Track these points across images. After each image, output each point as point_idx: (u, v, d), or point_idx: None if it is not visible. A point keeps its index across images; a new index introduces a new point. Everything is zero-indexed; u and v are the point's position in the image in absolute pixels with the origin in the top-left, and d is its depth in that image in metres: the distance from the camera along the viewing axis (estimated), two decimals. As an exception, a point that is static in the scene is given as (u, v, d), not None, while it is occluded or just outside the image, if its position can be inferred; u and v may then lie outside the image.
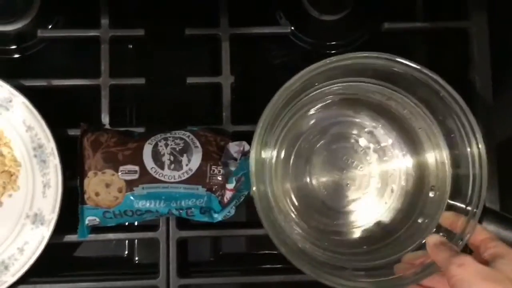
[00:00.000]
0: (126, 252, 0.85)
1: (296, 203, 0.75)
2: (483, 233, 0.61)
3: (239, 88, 0.79)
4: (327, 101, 0.75)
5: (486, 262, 0.56)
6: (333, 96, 0.75)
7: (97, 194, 0.72)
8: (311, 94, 0.72)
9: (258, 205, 0.65)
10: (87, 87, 0.79)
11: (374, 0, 0.84)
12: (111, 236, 0.77)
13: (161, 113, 0.83)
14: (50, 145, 0.74)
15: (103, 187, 0.71)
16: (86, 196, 0.72)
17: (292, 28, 0.82)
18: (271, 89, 0.79)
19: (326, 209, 0.76)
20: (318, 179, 0.76)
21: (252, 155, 0.65)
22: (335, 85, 0.72)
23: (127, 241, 0.84)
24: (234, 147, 0.74)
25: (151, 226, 0.78)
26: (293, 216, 0.74)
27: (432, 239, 0.64)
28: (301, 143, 0.76)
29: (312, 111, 0.76)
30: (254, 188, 0.65)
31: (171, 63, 0.83)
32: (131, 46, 0.86)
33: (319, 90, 0.72)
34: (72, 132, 0.77)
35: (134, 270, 0.83)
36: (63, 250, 0.81)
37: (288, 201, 0.75)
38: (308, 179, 0.76)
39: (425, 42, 0.88)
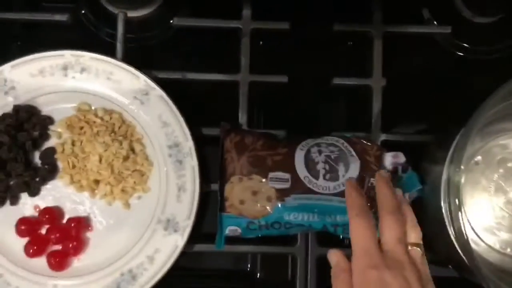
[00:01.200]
0: (249, 266, 0.76)
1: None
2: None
3: (389, 93, 0.71)
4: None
5: None
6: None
7: (241, 202, 0.64)
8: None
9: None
10: (225, 83, 0.72)
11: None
12: (245, 248, 0.69)
13: (299, 115, 0.75)
14: (188, 144, 0.67)
15: (249, 194, 0.64)
16: (227, 203, 0.65)
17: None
18: (424, 95, 0.71)
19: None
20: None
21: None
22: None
23: (249, 254, 0.76)
24: (388, 158, 0.66)
25: (286, 239, 0.70)
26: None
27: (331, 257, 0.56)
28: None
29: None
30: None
31: (315, 61, 0.76)
32: (261, 42, 0.78)
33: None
34: (207, 131, 0.70)
35: (257, 286, 0.75)
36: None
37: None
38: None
39: None
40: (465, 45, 0.77)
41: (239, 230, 0.65)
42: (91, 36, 0.77)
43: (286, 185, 0.63)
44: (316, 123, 0.73)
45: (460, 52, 0.78)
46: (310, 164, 0.64)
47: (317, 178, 0.63)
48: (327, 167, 0.64)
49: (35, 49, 0.68)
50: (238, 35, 0.72)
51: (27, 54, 0.68)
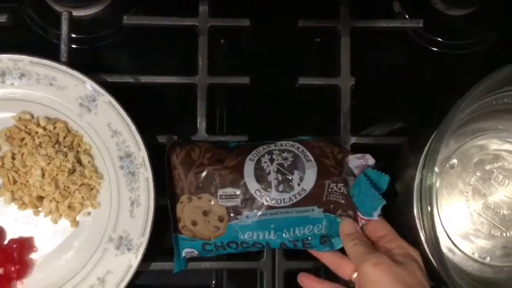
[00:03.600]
0: (214, 282, 0.71)
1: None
2: (385, 229, 0.56)
3: (359, 92, 0.66)
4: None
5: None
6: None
7: (194, 223, 0.59)
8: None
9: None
10: (182, 86, 0.66)
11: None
12: (206, 265, 0.64)
13: (262, 120, 0.70)
14: (141, 155, 0.62)
15: (200, 215, 0.59)
16: (180, 225, 0.60)
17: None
18: (396, 94, 0.67)
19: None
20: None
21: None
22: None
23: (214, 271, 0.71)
24: (354, 161, 0.60)
25: (252, 254, 0.64)
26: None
27: (346, 227, 0.56)
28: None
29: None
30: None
31: (276, 61, 0.70)
32: (223, 41, 0.72)
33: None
34: (162, 139, 0.64)
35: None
36: (140, 276, 0.67)
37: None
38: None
39: None
40: (438, 39, 0.73)
41: (196, 252, 0.60)
42: (37, 39, 0.71)
43: (237, 202, 0.58)
44: (281, 127, 0.68)
45: (433, 47, 0.73)
46: (260, 176, 0.58)
47: (269, 190, 0.58)
48: (279, 177, 0.58)
49: None
50: (195, 33, 0.66)
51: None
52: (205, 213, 0.58)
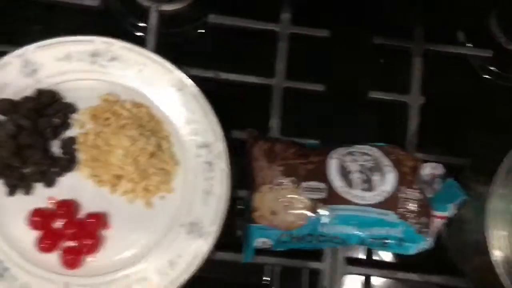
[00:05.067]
0: (268, 279, 0.72)
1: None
2: None
3: (426, 111, 0.69)
4: None
5: None
6: None
7: (273, 213, 0.61)
8: None
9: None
10: (259, 86, 0.69)
11: None
12: (272, 260, 0.65)
13: (330, 127, 0.72)
14: (219, 146, 0.64)
15: (282, 205, 0.61)
16: (257, 214, 0.61)
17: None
18: (463, 118, 0.70)
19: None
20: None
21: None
22: None
23: (265, 266, 0.72)
24: (427, 168, 0.63)
25: (308, 255, 0.67)
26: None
27: None
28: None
29: None
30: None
31: (351, 73, 0.73)
32: (299, 49, 0.75)
33: None
34: (236, 134, 0.66)
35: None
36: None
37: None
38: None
39: None
40: (498, 71, 0.76)
41: (270, 242, 0.61)
42: (115, 26, 0.73)
43: (321, 195, 0.60)
44: (348, 136, 0.70)
45: (493, 78, 0.76)
46: (344, 173, 0.61)
47: (352, 188, 0.61)
48: (362, 176, 0.61)
49: (56, 33, 0.64)
50: (276, 38, 0.69)
51: (53, 37, 0.63)
52: (288, 203, 0.60)
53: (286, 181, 0.61)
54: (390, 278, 0.68)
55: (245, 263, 0.63)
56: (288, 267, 0.69)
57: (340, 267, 0.66)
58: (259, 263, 0.67)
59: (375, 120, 0.73)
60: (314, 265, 0.67)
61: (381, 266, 0.66)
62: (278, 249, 0.63)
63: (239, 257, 0.64)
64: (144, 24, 0.69)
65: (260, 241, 0.61)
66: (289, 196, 0.61)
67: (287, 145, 0.63)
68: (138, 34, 0.72)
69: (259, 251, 0.64)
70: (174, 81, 0.65)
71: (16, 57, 0.63)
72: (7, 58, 0.62)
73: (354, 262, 0.67)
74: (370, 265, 0.67)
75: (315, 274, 0.68)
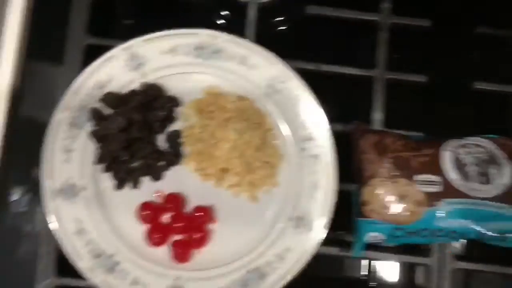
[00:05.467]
0: (362, 273, 0.71)
1: None
2: None
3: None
4: None
5: None
6: None
7: (386, 207, 0.60)
8: None
9: None
10: (359, 78, 0.67)
11: None
12: (378, 256, 0.64)
13: (433, 118, 0.70)
14: (325, 139, 0.63)
15: (395, 198, 0.59)
16: (368, 208, 0.60)
17: None
18: None
19: None
20: None
21: None
22: None
23: (363, 261, 0.71)
24: None
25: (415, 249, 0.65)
26: None
27: None
28: None
29: None
30: None
31: (456, 63, 0.71)
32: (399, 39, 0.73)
33: None
34: (337, 127, 0.65)
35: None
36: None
37: None
38: None
39: None
40: None
41: (383, 237, 0.60)
42: (210, 20, 0.73)
43: (437, 189, 0.59)
44: (453, 127, 0.69)
45: None
46: (459, 166, 0.60)
47: (468, 181, 0.59)
48: (478, 169, 0.59)
49: (148, 27, 0.64)
50: (376, 28, 0.68)
51: (158, 30, 0.63)
52: (401, 197, 0.59)
53: (399, 174, 0.60)
54: (500, 273, 0.66)
55: (354, 257, 0.62)
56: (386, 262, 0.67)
57: (448, 262, 0.64)
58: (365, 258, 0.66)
59: (480, 111, 0.71)
60: (422, 260, 0.65)
61: (490, 261, 0.64)
62: (389, 244, 0.61)
63: (344, 252, 0.63)
64: (240, 17, 0.68)
65: (371, 236, 0.60)
66: (402, 189, 0.60)
67: (396, 138, 0.62)
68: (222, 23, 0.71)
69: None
70: (278, 73, 0.64)
71: (122, 51, 0.62)
72: (113, 52, 0.62)
73: (462, 257, 0.64)
74: (479, 260, 0.65)
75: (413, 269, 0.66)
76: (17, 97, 0.64)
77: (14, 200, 0.63)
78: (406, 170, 0.60)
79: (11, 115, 0.63)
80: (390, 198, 0.60)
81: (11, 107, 0.62)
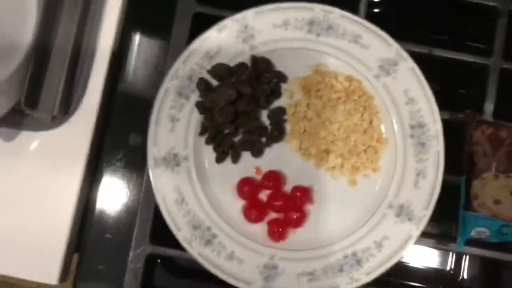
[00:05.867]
0: (449, 267, 0.69)
1: None
2: None
3: None
4: None
5: None
6: None
7: (497, 202, 0.57)
8: None
9: None
10: (473, 65, 0.64)
11: None
12: (476, 251, 0.62)
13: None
14: (435, 127, 0.61)
15: (507, 194, 0.57)
16: (477, 202, 0.58)
17: None
18: None
19: None
20: None
21: None
22: None
23: (451, 254, 0.69)
24: None
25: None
26: None
27: None
28: None
29: None
30: None
31: None
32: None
33: None
34: (445, 115, 0.62)
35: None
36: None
37: None
38: None
39: None
40: None
41: (488, 233, 0.58)
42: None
43: None
44: None
45: None
46: None
47: None
48: None
49: None
50: (495, 15, 0.64)
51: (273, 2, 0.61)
52: (513, 193, 0.56)
53: (513, 169, 0.57)
54: None
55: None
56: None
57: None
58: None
59: None
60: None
61: None
62: (493, 241, 0.59)
63: (440, 245, 0.62)
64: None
65: (477, 231, 0.58)
66: (516, 185, 0.57)
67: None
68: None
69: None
70: (392, 54, 0.61)
71: (235, 22, 0.61)
72: (226, 22, 0.61)
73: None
74: None
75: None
76: (120, 63, 0.64)
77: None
78: (522, 166, 0.57)
79: (112, 79, 0.63)
80: (503, 193, 0.57)
81: (113, 72, 0.62)
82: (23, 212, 0.61)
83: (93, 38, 0.63)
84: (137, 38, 0.67)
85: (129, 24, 0.66)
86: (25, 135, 0.62)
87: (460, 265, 0.68)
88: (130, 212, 0.64)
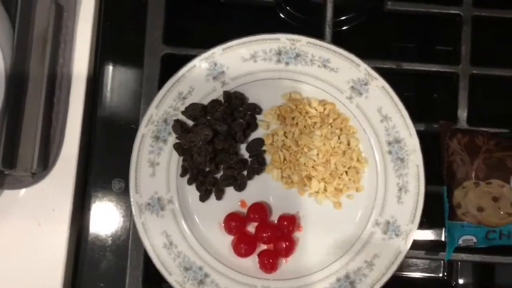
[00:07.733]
0: (442, 274, 0.70)
1: None
2: None
3: None
4: None
5: None
6: None
7: (480, 209, 0.58)
8: None
9: None
10: (443, 74, 0.65)
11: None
12: (468, 257, 0.63)
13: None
14: (412, 141, 0.61)
15: (489, 200, 0.58)
16: (460, 211, 0.59)
17: None
18: None
19: None
20: None
21: None
22: None
23: (442, 261, 0.70)
24: None
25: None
26: None
27: None
28: None
29: None
30: None
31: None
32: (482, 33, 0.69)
33: None
34: (420, 127, 0.63)
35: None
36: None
37: None
38: None
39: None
40: None
41: (475, 240, 0.59)
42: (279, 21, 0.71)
43: None
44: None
45: None
46: None
47: None
48: None
49: (228, 32, 0.62)
50: (459, 22, 0.65)
51: (239, 37, 0.62)
52: (495, 199, 0.58)
53: (493, 175, 0.58)
54: None
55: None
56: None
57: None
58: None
59: None
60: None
61: None
62: (481, 246, 0.60)
63: (430, 254, 0.63)
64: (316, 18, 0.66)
65: (464, 239, 0.59)
66: (497, 191, 0.58)
67: (488, 137, 0.60)
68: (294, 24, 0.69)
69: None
70: (361, 75, 0.62)
71: (204, 60, 0.61)
72: (194, 62, 0.61)
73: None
74: None
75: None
76: (94, 111, 0.64)
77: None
78: (501, 172, 0.58)
79: (89, 126, 0.63)
80: (485, 200, 0.58)
81: (88, 118, 0.62)
82: (12, 271, 0.61)
83: (65, 88, 0.63)
84: (109, 82, 0.67)
85: (101, 67, 0.67)
86: (6, 195, 0.62)
87: (453, 271, 0.69)
88: (121, 258, 0.64)
